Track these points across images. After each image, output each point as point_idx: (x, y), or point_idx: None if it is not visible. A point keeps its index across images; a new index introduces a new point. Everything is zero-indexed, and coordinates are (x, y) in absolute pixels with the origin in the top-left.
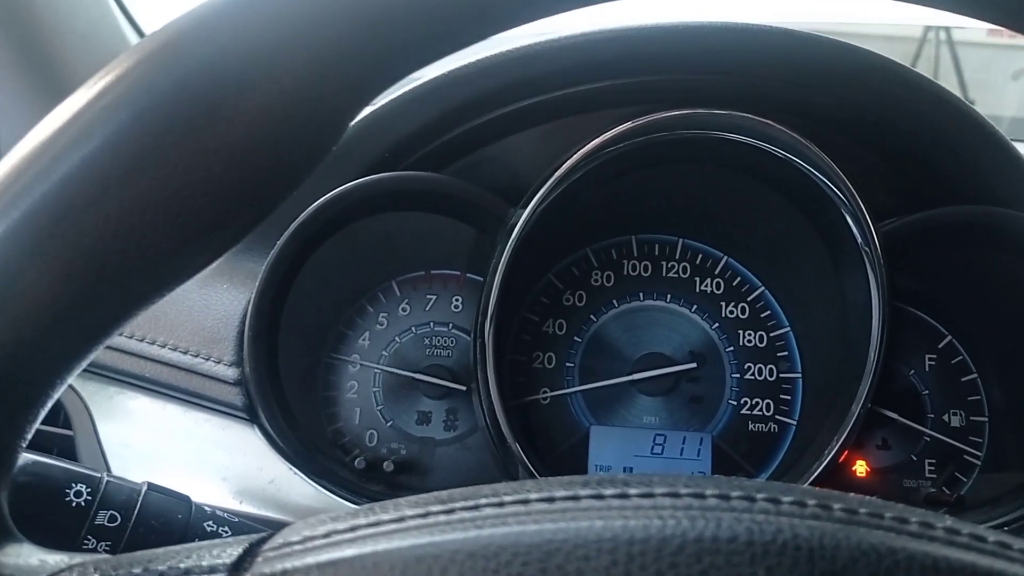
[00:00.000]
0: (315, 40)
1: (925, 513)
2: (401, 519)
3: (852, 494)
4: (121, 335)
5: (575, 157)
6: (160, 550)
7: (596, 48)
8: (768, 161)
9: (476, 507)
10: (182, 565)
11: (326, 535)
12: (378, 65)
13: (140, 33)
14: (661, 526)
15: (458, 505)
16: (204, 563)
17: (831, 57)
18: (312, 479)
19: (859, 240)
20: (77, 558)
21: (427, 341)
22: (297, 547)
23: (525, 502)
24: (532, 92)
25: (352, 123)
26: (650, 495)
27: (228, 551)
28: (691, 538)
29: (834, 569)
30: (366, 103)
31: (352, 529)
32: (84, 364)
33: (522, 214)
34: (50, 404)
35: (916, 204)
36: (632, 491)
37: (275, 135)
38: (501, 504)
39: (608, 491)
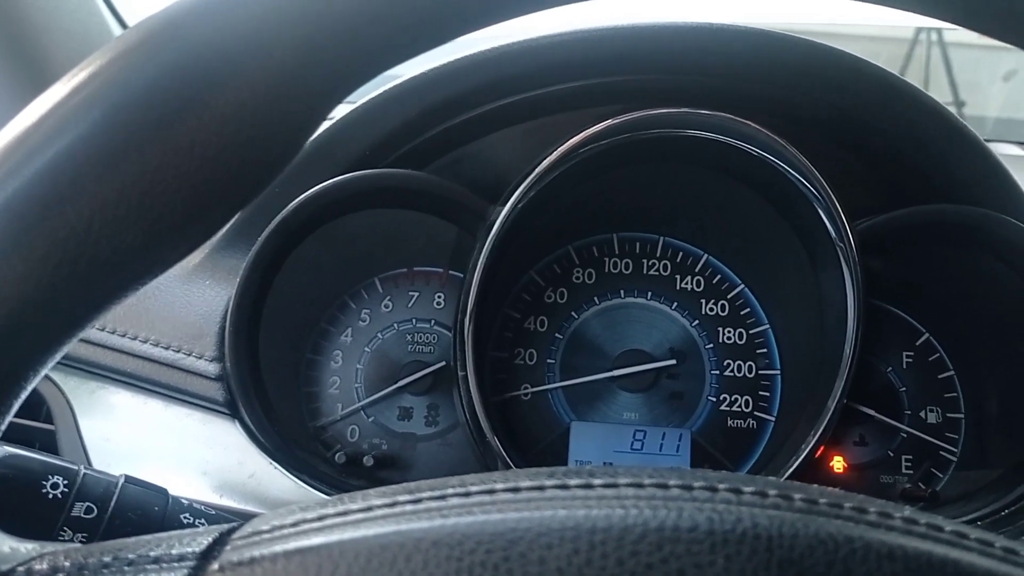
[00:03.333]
0: (287, 38)
1: (884, 504)
2: (369, 508)
3: (815, 485)
4: (103, 330)
5: (554, 155)
6: (131, 539)
7: (576, 47)
8: (745, 160)
9: (442, 497)
10: (152, 554)
11: (295, 524)
12: (351, 62)
13: (123, 25)
14: (623, 515)
15: (425, 495)
16: (174, 551)
17: (807, 58)
18: (292, 474)
19: (834, 237)
20: (49, 547)
21: (409, 337)
22: (266, 536)
23: (491, 492)
24: (513, 90)
25: (331, 121)
26: (614, 485)
27: (198, 540)
28: (652, 527)
29: (791, 557)
30: (338, 101)
31: (320, 518)
32: (58, 357)
33: (501, 211)
34: (24, 395)
35: (892, 203)
36: (596, 481)
37: (247, 132)
38: (467, 494)
39: (573, 481)
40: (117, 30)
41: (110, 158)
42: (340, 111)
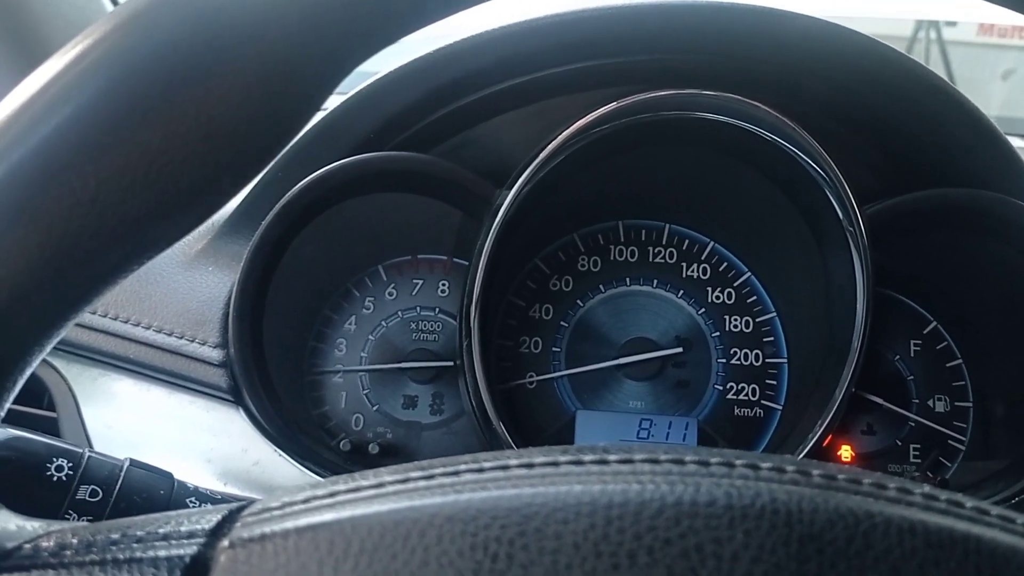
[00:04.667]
0: (293, 9)
1: (905, 480)
2: (381, 485)
3: (831, 463)
4: (105, 316)
5: (561, 137)
6: (139, 518)
7: (582, 27)
8: (753, 142)
9: (456, 473)
10: (161, 531)
11: (305, 500)
12: (357, 35)
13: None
14: (640, 490)
15: (438, 471)
16: (183, 528)
17: (816, 37)
18: (297, 461)
19: (843, 221)
20: (56, 525)
21: (413, 325)
22: (277, 512)
23: (505, 467)
24: (518, 72)
25: (334, 104)
26: (630, 461)
27: (208, 517)
28: (670, 502)
29: (812, 532)
30: (343, 75)
31: (331, 495)
32: (62, 333)
33: (507, 195)
34: (27, 373)
35: (902, 187)
36: (612, 457)
37: (255, 101)
38: (481, 470)
39: (587, 457)
40: (109, 4)
41: (115, 127)
42: (342, 95)
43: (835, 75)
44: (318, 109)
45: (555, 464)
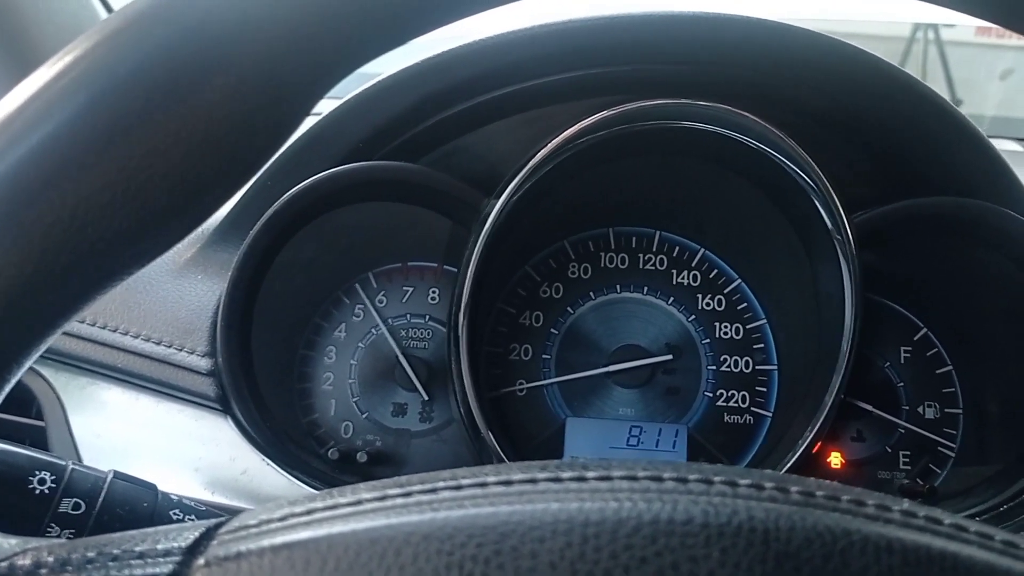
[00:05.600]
0: (276, 22)
1: (883, 496)
2: (358, 502)
3: (812, 478)
4: (94, 325)
5: (549, 146)
6: (116, 535)
7: (571, 37)
8: (742, 151)
9: (433, 490)
10: (137, 549)
11: (282, 518)
12: (341, 48)
13: (108, 8)
14: (617, 508)
15: (415, 488)
16: (160, 546)
17: (805, 48)
18: (285, 470)
19: (831, 229)
20: (32, 542)
21: (403, 333)
22: (253, 530)
23: (483, 485)
24: (507, 81)
25: (323, 114)
26: (608, 478)
27: (184, 535)
28: (646, 520)
29: (789, 551)
30: (328, 88)
31: (308, 512)
32: (44, 347)
33: (496, 204)
34: (8, 387)
35: (890, 195)
36: (590, 474)
37: (236, 118)
38: (459, 487)
39: (566, 474)
40: (101, 11)
41: (95, 144)
42: (331, 104)
43: (823, 85)
44: (299, 125)
45: (533, 481)
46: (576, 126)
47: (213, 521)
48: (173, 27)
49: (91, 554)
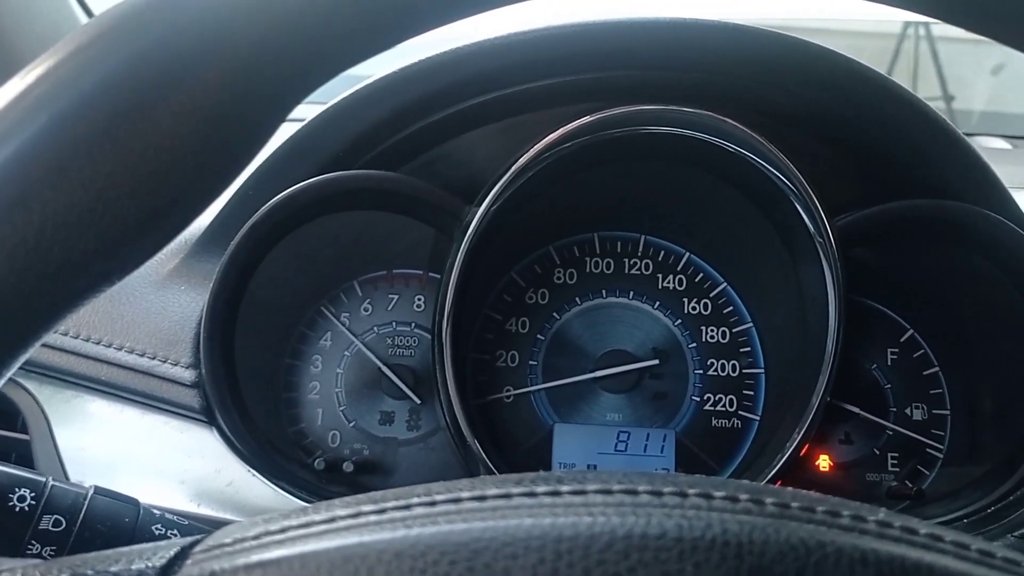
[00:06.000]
0: (242, 37)
1: (859, 506)
2: (332, 519)
3: (789, 489)
4: (77, 338)
5: (529, 153)
6: (91, 555)
7: (551, 43)
8: (723, 156)
9: (407, 507)
10: (111, 569)
11: (256, 537)
12: (309, 62)
13: (89, 13)
14: (590, 523)
15: (390, 505)
16: (134, 567)
17: (783, 53)
18: (271, 481)
19: (813, 233)
20: (6, 563)
21: (389, 341)
22: (228, 549)
23: (456, 501)
24: (487, 88)
25: (303, 122)
26: (582, 492)
27: (159, 554)
28: (620, 535)
29: (762, 564)
30: (295, 104)
31: (283, 531)
32: (15, 366)
33: (477, 211)
34: None
35: (872, 199)
36: (564, 488)
37: (202, 134)
38: (433, 503)
39: (540, 488)
40: (81, 15)
41: (59, 163)
42: (312, 112)
43: (804, 90)
44: (269, 137)
45: (508, 496)
46: (556, 132)
47: (188, 540)
48: (136, 42)
49: (64, 574)
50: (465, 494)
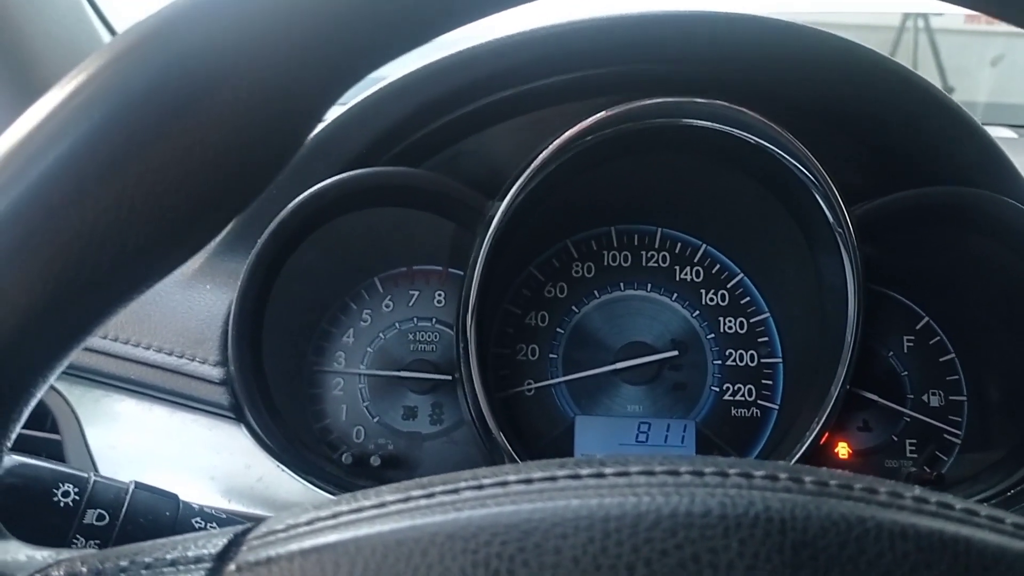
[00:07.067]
0: (284, 36)
1: (896, 484)
2: (382, 504)
3: (825, 468)
4: (105, 338)
5: (551, 148)
6: (147, 543)
7: (570, 38)
8: (741, 147)
9: (456, 491)
10: (168, 556)
11: (309, 523)
12: (349, 58)
13: (112, 32)
14: (636, 503)
15: (438, 489)
16: (190, 554)
17: (801, 44)
18: (300, 476)
19: (832, 222)
20: (64, 554)
21: (411, 336)
22: (281, 535)
23: (504, 484)
24: (507, 84)
25: (326, 121)
26: (625, 474)
27: (214, 541)
28: (665, 513)
29: (805, 539)
30: (336, 98)
31: (334, 516)
32: (65, 363)
33: (499, 206)
34: (32, 405)
35: (889, 187)
36: (608, 471)
37: (246, 132)
38: (480, 487)
39: (585, 471)
40: (103, 32)
41: (111, 160)
42: (334, 111)
43: (819, 79)
44: (310, 134)
45: (553, 479)
46: (577, 127)
47: (241, 527)
48: (183, 43)
49: (123, 563)
50: (512, 477)
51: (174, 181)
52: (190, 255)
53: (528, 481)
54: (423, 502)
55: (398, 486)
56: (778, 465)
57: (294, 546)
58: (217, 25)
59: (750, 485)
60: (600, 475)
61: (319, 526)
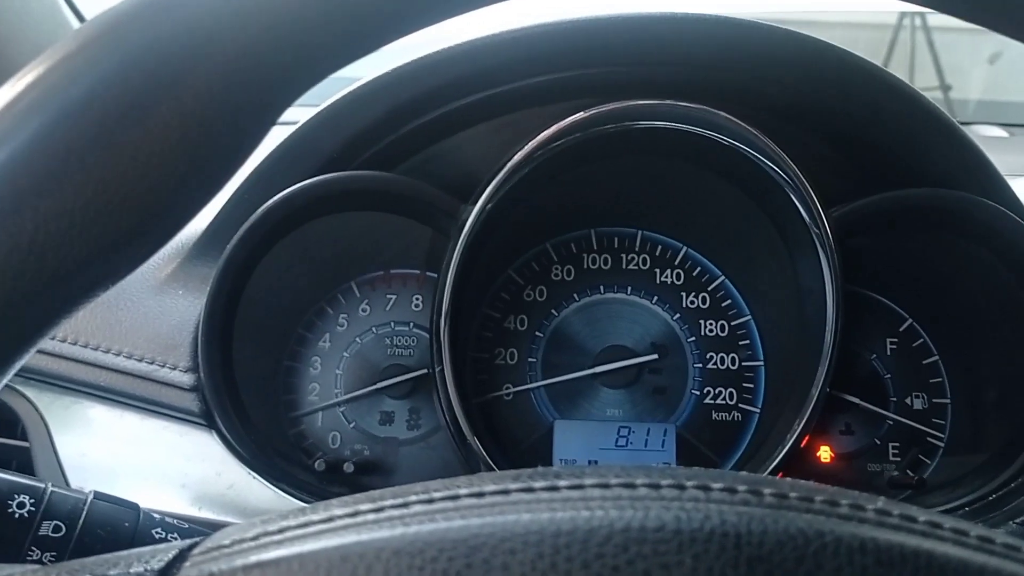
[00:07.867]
0: (230, 42)
1: (858, 495)
2: (330, 519)
3: (788, 479)
4: (75, 344)
5: (524, 151)
6: (90, 559)
7: (542, 41)
8: (717, 150)
9: (405, 504)
10: (111, 572)
11: (255, 537)
12: (299, 65)
13: (80, 18)
14: (588, 517)
15: (387, 503)
16: (132, 570)
17: (775, 45)
18: (271, 483)
19: (809, 224)
20: (6, 569)
21: (388, 341)
22: (226, 550)
23: (454, 498)
24: (480, 87)
25: (297, 124)
26: (580, 487)
27: (158, 556)
28: (618, 528)
29: (761, 554)
30: (285, 107)
31: (281, 531)
32: (11, 373)
33: (472, 210)
34: None
35: (867, 189)
36: (562, 483)
37: (193, 139)
38: (431, 501)
39: (538, 484)
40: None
41: (51, 170)
42: (305, 114)
43: (796, 81)
44: (257, 145)
45: (505, 492)
46: (550, 129)
47: (187, 542)
48: (126, 48)
49: None
50: (463, 491)
51: (117, 191)
52: (138, 264)
53: (479, 495)
54: (371, 516)
55: (347, 499)
56: (738, 476)
57: (238, 561)
58: (160, 31)
59: (707, 498)
60: (554, 488)
61: (264, 541)
